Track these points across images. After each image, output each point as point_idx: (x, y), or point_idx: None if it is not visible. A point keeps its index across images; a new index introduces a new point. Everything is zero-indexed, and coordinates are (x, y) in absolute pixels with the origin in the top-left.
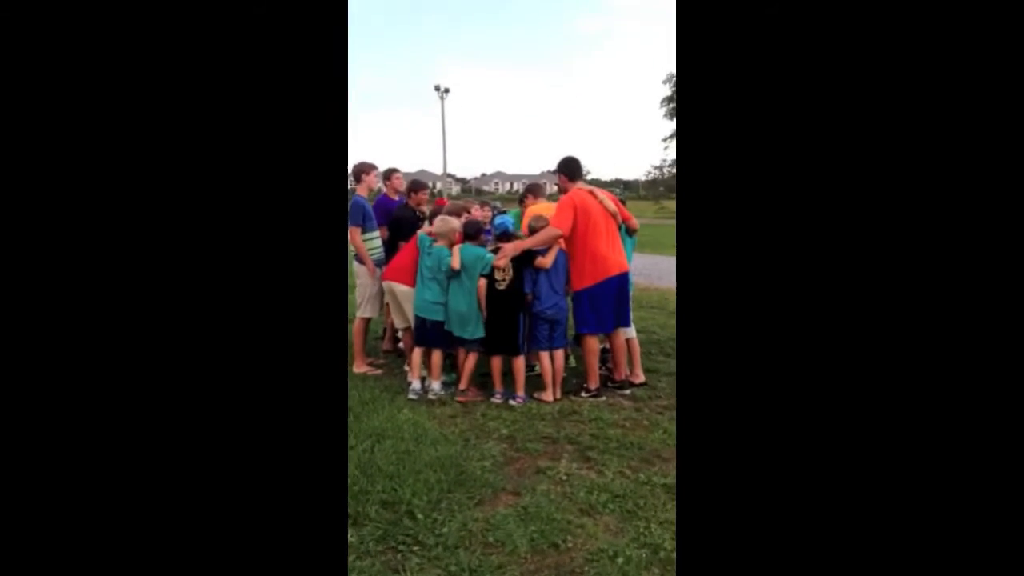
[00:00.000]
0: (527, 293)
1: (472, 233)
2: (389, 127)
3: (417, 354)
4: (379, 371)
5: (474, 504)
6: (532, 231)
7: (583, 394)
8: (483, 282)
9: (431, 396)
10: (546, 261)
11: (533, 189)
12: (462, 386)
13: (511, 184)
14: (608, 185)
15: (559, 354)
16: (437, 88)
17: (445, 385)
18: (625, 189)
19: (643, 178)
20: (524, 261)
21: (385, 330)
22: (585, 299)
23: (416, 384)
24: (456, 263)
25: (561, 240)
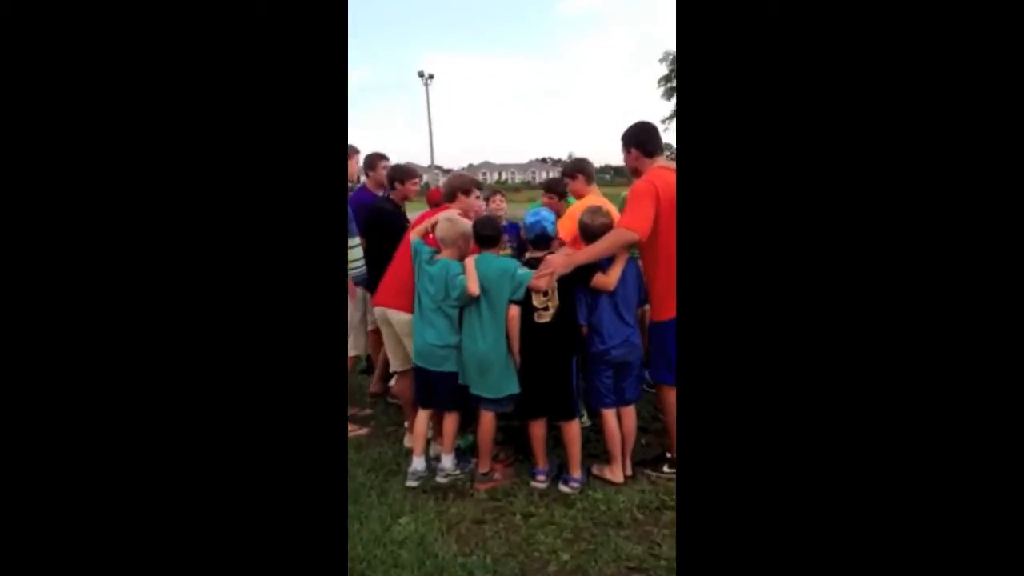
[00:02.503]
0: (581, 326)
1: (490, 236)
2: (371, 114)
3: (423, 419)
4: (365, 430)
5: None
6: (587, 233)
7: (666, 468)
8: (515, 311)
9: (440, 478)
10: (610, 279)
11: (582, 166)
12: (483, 468)
13: (499, 174)
14: (598, 172)
15: (629, 412)
16: (421, 74)
17: (461, 457)
18: (615, 175)
19: None
20: (576, 279)
21: (370, 367)
22: (669, 334)
23: (418, 464)
24: (475, 286)
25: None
